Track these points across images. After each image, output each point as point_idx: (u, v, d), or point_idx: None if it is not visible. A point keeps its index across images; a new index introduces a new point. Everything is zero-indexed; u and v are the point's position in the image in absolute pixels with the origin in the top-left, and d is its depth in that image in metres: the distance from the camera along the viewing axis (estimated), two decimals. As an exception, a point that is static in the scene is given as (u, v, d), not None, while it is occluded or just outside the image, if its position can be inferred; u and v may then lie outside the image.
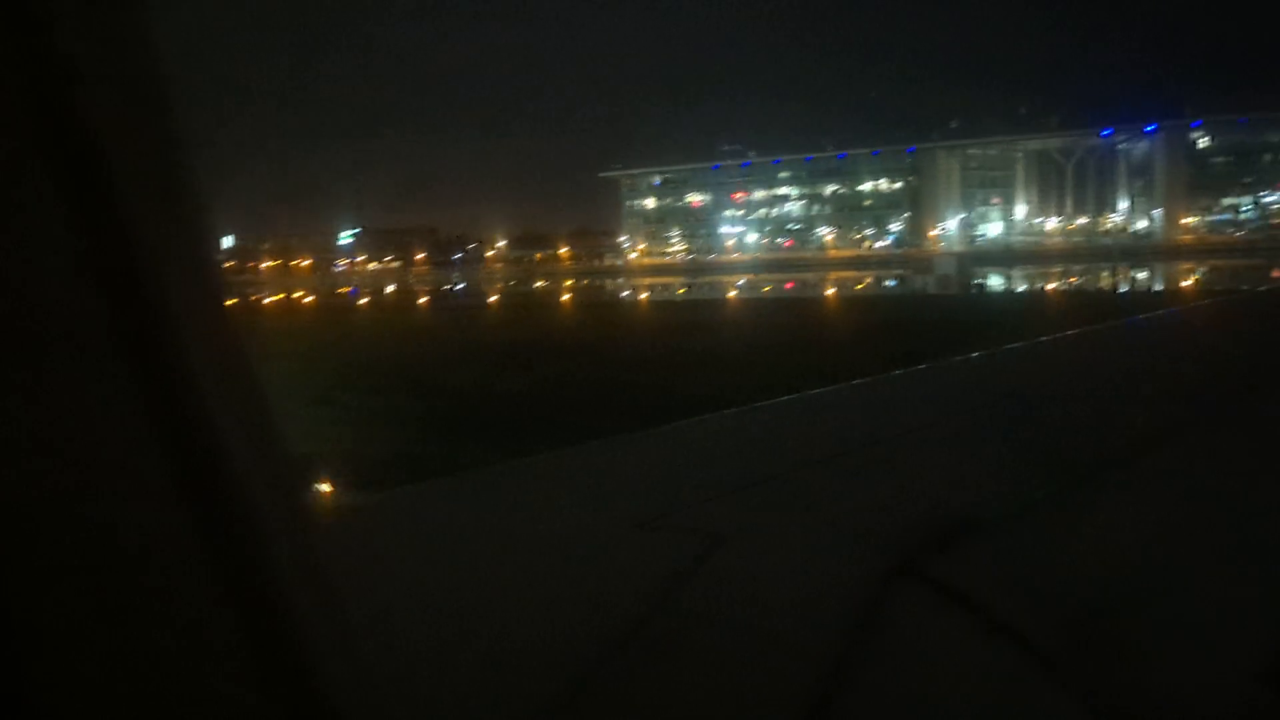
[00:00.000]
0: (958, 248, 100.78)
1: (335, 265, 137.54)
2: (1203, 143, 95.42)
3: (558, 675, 1.55)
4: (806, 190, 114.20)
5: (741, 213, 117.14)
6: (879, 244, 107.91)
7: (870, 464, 2.99)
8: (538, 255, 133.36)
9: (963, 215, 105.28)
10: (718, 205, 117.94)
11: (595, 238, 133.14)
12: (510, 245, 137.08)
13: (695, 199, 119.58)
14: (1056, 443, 3.23)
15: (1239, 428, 3.38)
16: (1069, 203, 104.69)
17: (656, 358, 22.47)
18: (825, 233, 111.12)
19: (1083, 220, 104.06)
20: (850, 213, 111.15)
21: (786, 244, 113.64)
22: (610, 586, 1.95)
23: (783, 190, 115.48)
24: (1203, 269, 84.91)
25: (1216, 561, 2.14)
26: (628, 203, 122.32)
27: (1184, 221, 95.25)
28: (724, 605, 1.84)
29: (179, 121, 0.54)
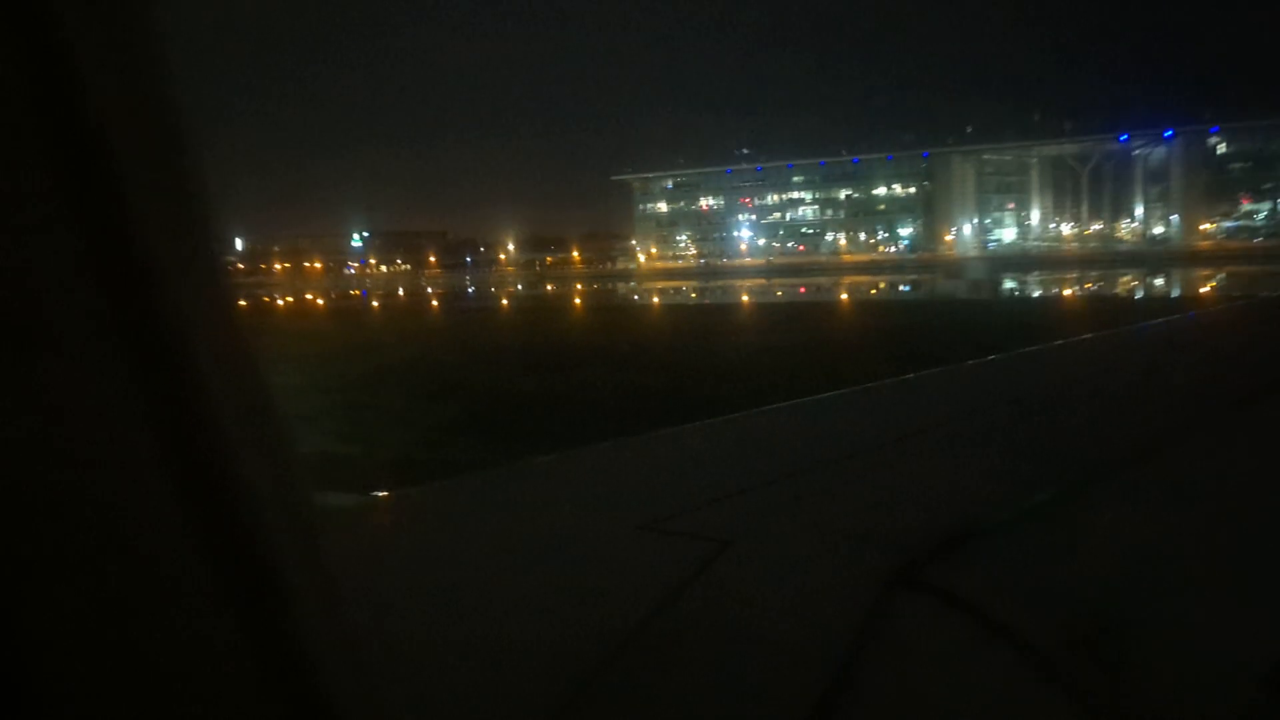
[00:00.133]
0: (971, 253, 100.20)
1: (346, 268, 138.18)
2: (1221, 148, 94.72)
3: (559, 676, 1.55)
4: (820, 195, 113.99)
5: (754, 217, 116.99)
6: (891, 249, 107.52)
7: (876, 467, 2.96)
8: (549, 259, 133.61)
9: (976, 220, 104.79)
10: (730, 209, 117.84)
11: (606, 241, 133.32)
12: (521, 248, 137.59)
13: (707, 203, 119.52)
14: (1070, 444, 3.21)
15: (1244, 433, 3.35)
16: (1084, 208, 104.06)
17: (677, 362, 22.45)
18: (837, 238, 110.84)
19: (1098, 226, 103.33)
20: (863, 217, 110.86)
21: (799, 249, 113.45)
22: (613, 589, 1.94)
23: (796, 194, 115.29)
24: (1221, 275, 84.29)
25: (1218, 565, 2.11)
26: (640, 206, 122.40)
27: (1202, 227, 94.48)
28: (727, 609, 1.83)
29: (185, 120, 0.54)
